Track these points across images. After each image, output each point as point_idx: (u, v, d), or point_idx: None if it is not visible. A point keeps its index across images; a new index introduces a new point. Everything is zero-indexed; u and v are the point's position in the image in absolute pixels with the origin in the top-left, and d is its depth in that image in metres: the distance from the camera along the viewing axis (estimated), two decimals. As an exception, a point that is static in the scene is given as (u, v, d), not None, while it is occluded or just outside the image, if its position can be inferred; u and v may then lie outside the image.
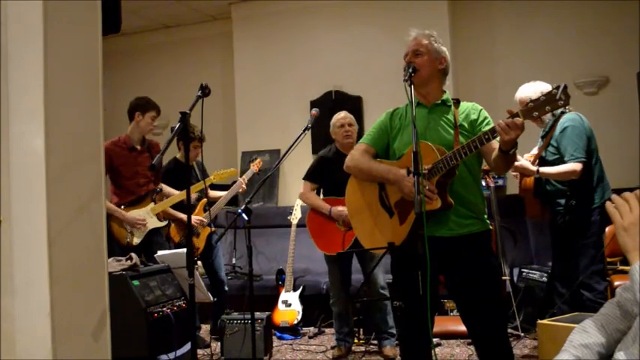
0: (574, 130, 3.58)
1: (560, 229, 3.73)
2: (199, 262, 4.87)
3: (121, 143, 4.35)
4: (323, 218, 4.22)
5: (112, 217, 4.23)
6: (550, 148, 3.71)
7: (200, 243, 4.72)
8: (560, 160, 3.61)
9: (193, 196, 4.64)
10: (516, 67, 6.24)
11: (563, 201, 3.69)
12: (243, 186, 4.78)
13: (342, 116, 4.26)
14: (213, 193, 4.98)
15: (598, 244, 3.62)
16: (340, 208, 4.09)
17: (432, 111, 2.62)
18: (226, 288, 4.86)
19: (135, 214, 4.29)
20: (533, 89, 3.70)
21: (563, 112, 3.69)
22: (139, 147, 4.39)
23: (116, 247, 4.20)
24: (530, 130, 2.82)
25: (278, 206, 6.61)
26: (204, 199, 4.78)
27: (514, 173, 3.89)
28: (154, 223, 4.38)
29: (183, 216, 4.55)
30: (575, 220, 3.64)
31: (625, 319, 1.62)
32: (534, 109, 2.24)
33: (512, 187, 5.82)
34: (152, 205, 4.39)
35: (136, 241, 4.28)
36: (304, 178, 4.36)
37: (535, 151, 3.88)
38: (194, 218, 4.65)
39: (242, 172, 6.72)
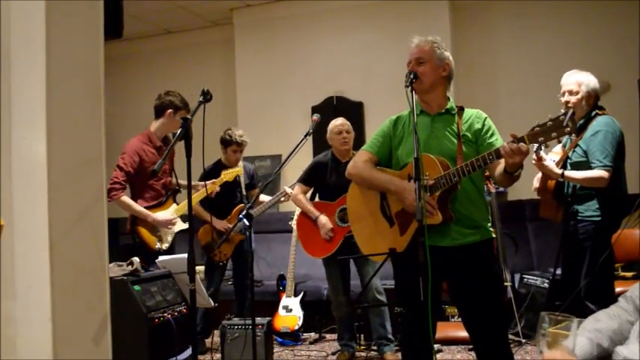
0: (607, 137, 3.31)
1: (575, 237, 3.46)
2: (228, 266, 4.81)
3: (147, 141, 3.99)
4: (311, 222, 4.24)
5: (141, 222, 3.93)
6: (578, 150, 3.44)
7: (228, 249, 4.67)
8: (586, 164, 3.36)
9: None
10: (517, 69, 6.27)
11: (589, 210, 3.41)
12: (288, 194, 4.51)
13: (339, 123, 4.23)
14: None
15: (610, 258, 3.37)
16: (325, 220, 4.14)
17: (435, 120, 2.60)
18: (249, 294, 4.75)
19: (162, 215, 3.98)
20: (587, 77, 3.43)
21: (597, 114, 3.43)
22: (161, 144, 4.03)
23: (146, 254, 3.75)
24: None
25: (279, 211, 6.60)
26: (241, 205, 4.68)
27: (538, 175, 3.59)
28: (179, 225, 4.08)
29: (216, 222, 4.57)
30: (596, 232, 3.37)
31: (635, 312, 1.65)
32: (540, 134, 2.17)
33: (514, 193, 5.81)
34: (175, 205, 4.10)
35: (165, 246, 4.00)
36: (298, 181, 4.38)
37: (560, 149, 3.61)
38: (222, 224, 4.63)
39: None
